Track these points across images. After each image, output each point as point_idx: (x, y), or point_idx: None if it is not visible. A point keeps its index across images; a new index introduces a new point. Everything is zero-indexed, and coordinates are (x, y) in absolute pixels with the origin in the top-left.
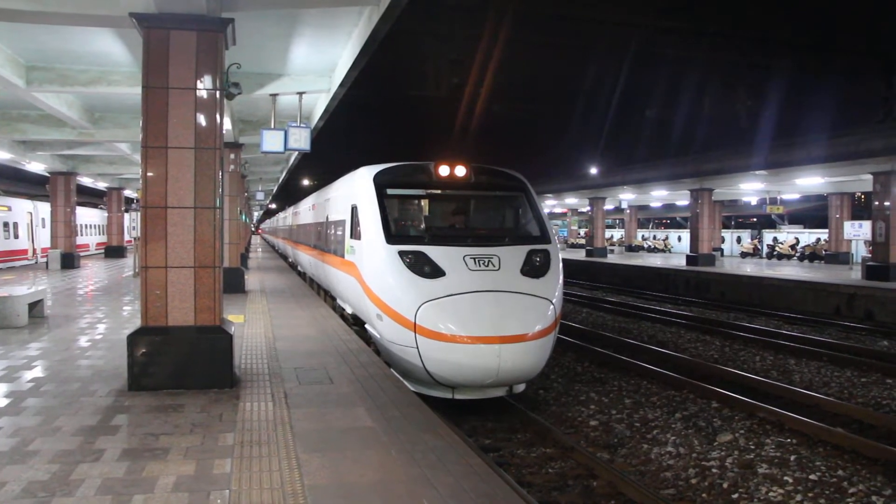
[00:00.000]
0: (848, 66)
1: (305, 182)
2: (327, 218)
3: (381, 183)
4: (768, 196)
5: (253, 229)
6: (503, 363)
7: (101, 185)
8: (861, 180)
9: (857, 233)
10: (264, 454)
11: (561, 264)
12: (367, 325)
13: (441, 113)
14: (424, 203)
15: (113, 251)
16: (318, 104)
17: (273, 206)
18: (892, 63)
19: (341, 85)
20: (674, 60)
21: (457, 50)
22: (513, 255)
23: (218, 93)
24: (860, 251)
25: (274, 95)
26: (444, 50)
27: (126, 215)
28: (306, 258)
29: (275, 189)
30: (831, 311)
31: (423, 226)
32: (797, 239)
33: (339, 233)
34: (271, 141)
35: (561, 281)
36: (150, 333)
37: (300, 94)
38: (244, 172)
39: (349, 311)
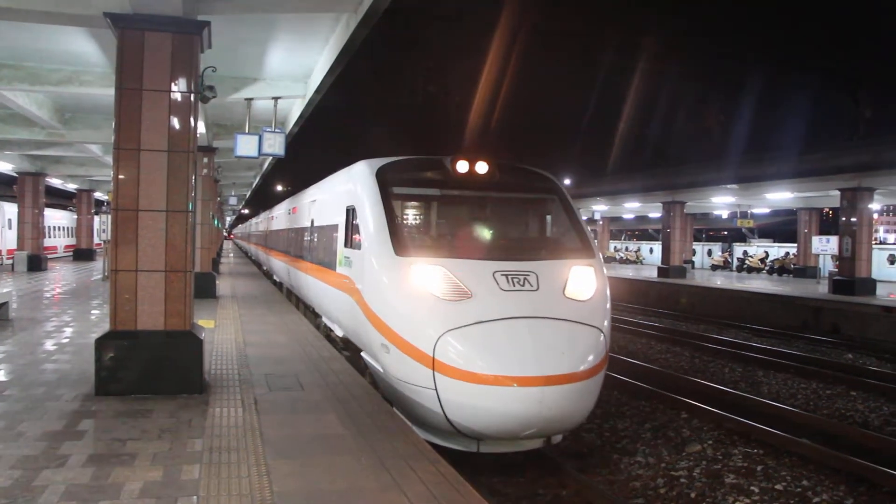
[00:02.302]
0: (819, 85)
1: (279, 188)
2: (312, 223)
3: (386, 180)
4: (739, 210)
5: (225, 234)
6: (547, 409)
7: (71, 186)
8: (829, 196)
9: (825, 247)
10: (233, 460)
11: (608, 284)
12: (363, 354)
13: (416, 120)
14: (439, 206)
15: (82, 254)
16: (294, 109)
17: (246, 210)
18: (860, 82)
19: (317, 91)
20: (648, 74)
21: (434, 58)
22: (553, 272)
23: (192, 96)
24: (827, 265)
25: (249, 100)
26: (420, 58)
27: (96, 218)
28: (283, 267)
29: (248, 194)
30: (799, 324)
31: (438, 234)
32: (766, 252)
33: (329, 240)
34: (245, 145)
35: (609, 305)
36: (119, 337)
37: (275, 99)
38: (217, 177)
39: (339, 333)
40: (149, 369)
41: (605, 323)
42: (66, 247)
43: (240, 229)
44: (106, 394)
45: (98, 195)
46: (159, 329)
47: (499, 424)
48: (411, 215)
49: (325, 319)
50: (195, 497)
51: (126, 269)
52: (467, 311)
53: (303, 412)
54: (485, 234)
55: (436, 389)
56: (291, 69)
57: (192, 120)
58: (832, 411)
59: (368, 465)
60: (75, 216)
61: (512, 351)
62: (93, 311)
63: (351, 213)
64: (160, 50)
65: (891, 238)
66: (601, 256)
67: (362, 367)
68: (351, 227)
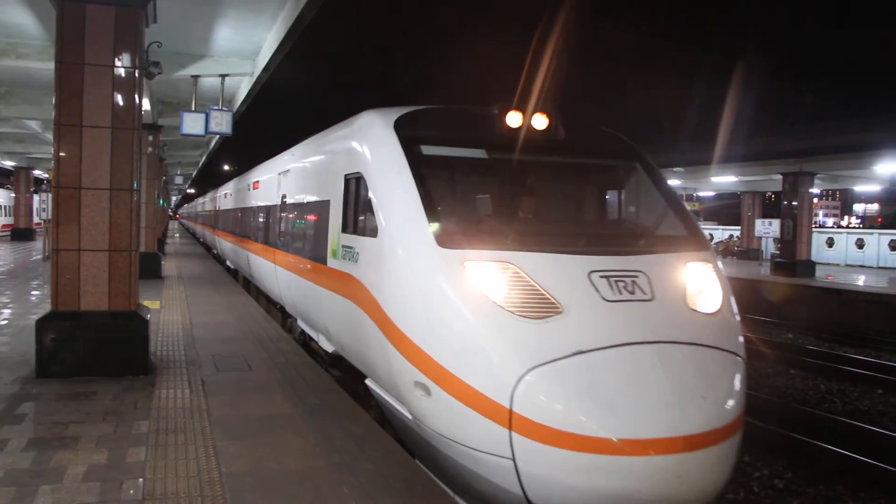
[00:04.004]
0: (767, 70)
1: (227, 167)
2: (283, 199)
3: (412, 137)
4: (685, 193)
5: (171, 214)
6: (687, 486)
7: (8, 164)
8: (772, 180)
9: (768, 230)
10: (180, 442)
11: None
12: (372, 384)
13: (370, 99)
14: (490, 173)
15: (20, 233)
16: (242, 88)
17: (192, 190)
18: (803, 69)
19: (265, 69)
20: (605, 57)
21: (384, 37)
22: (667, 272)
23: (137, 72)
24: (769, 248)
25: (195, 77)
26: (371, 37)
27: (35, 196)
28: (239, 254)
29: (194, 173)
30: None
31: (497, 215)
32: (711, 235)
33: (314, 223)
34: (192, 123)
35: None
36: (61, 318)
37: (223, 76)
38: (163, 155)
39: (325, 346)
40: (92, 350)
41: (743, 345)
42: (4, 226)
43: (186, 209)
44: (47, 376)
45: (38, 173)
46: (103, 309)
47: None
48: (452, 188)
49: (301, 324)
50: (141, 479)
51: (68, 248)
52: (560, 334)
53: (251, 392)
54: (563, 215)
55: (513, 458)
56: (239, 46)
57: (136, 96)
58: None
59: (317, 445)
60: (13, 195)
61: (634, 398)
62: (33, 292)
63: (354, 184)
64: (103, 23)
65: (829, 222)
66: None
67: (360, 390)
68: (354, 205)
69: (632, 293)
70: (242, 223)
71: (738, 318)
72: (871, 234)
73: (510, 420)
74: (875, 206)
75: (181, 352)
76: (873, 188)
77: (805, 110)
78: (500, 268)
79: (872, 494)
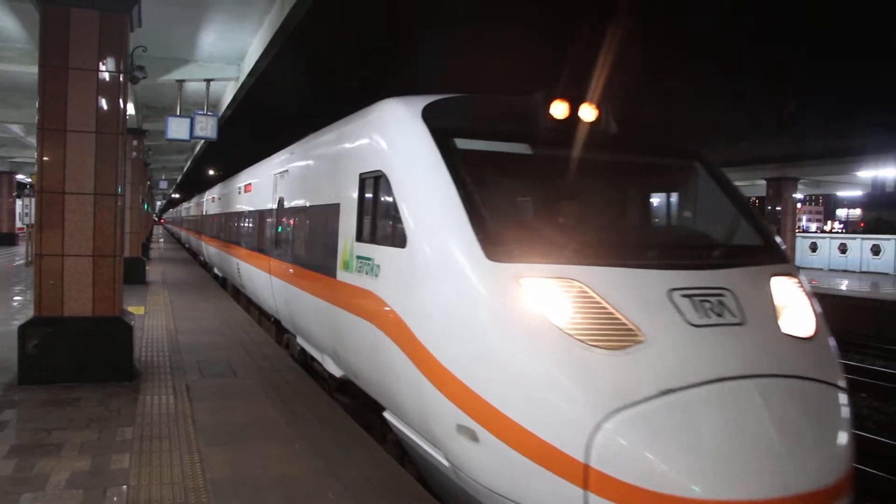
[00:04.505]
0: (753, 75)
1: (212, 172)
2: (280, 203)
3: (442, 128)
4: None
5: (155, 219)
6: None
7: None
8: (755, 185)
9: None
10: (165, 448)
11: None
12: (391, 417)
13: (355, 103)
14: (538, 173)
15: (3, 238)
16: (227, 92)
17: (177, 195)
18: (788, 73)
19: (251, 74)
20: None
21: (370, 41)
22: (753, 289)
23: (122, 76)
24: None
25: (180, 81)
26: (357, 42)
27: (18, 201)
28: (231, 262)
29: (179, 178)
30: None
31: (550, 221)
32: None
33: (320, 230)
34: (177, 128)
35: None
36: (44, 324)
37: (208, 81)
38: (147, 160)
39: (331, 369)
40: (76, 357)
41: (844, 375)
42: None
43: (171, 214)
44: (30, 382)
45: (20, 177)
46: (87, 315)
47: None
48: (495, 188)
49: (301, 341)
50: (125, 486)
51: (52, 253)
52: (643, 369)
53: (236, 398)
54: (625, 222)
55: None
56: (224, 51)
57: (121, 101)
58: None
59: (303, 451)
60: None
61: (739, 448)
62: (15, 298)
63: (372, 184)
64: (87, 27)
65: (813, 227)
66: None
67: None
68: (373, 209)
69: (720, 315)
70: (231, 228)
71: (833, 342)
72: (854, 238)
73: (586, 478)
74: (857, 212)
75: (166, 358)
76: (856, 193)
77: (789, 115)
78: (564, 285)
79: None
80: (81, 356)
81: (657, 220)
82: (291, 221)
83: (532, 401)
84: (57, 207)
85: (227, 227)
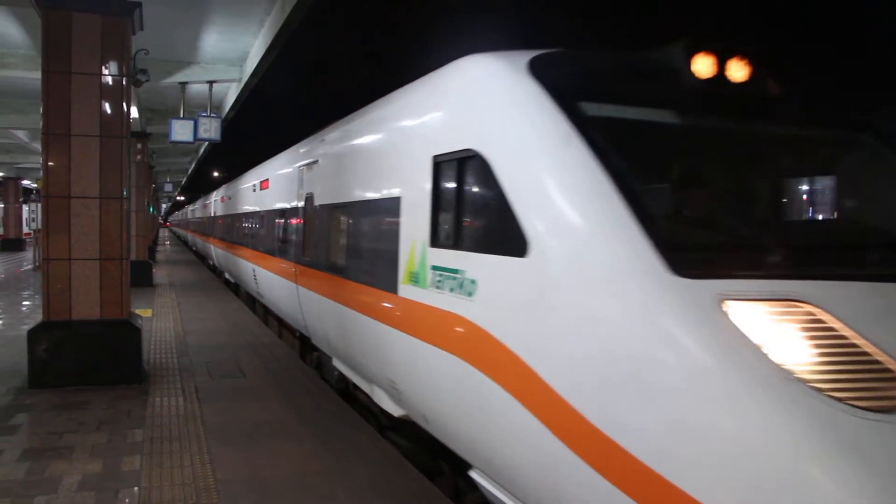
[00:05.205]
0: None
1: (216, 173)
2: (309, 201)
3: (562, 89)
4: None
5: (161, 222)
6: None
7: None
8: None
9: None
10: (175, 450)
11: None
12: (480, 479)
13: (354, 104)
14: (698, 148)
15: (10, 244)
16: (230, 94)
17: (182, 198)
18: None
19: (253, 74)
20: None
21: (371, 42)
22: None
23: (124, 79)
24: None
25: (183, 84)
26: (357, 42)
27: (24, 206)
28: (245, 268)
29: (184, 180)
30: None
31: (728, 215)
32: None
33: (371, 232)
34: (180, 131)
35: None
36: (53, 328)
37: (210, 83)
38: (151, 163)
39: (388, 407)
40: (85, 360)
41: None
42: None
43: (177, 216)
44: (40, 386)
45: (26, 183)
46: (95, 318)
47: None
48: (652, 172)
49: (340, 365)
50: (136, 488)
51: (59, 257)
52: None
53: (245, 399)
54: (832, 216)
55: None
56: (226, 52)
57: (124, 104)
58: None
59: (313, 449)
60: (1, 205)
61: None
62: (24, 303)
63: (456, 169)
64: (89, 32)
65: None
66: None
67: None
68: (458, 202)
69: None
70: (246, 231)
71: None
72: None
73: None
74: None
75: (174, 359)
76: None
77: None
78: (789, 311)
79: None
80: (90, 359)
81: (855, 211)
82: (325, 221)
83: (762, 491)
84: (63, 212)
85: (240, 230)
